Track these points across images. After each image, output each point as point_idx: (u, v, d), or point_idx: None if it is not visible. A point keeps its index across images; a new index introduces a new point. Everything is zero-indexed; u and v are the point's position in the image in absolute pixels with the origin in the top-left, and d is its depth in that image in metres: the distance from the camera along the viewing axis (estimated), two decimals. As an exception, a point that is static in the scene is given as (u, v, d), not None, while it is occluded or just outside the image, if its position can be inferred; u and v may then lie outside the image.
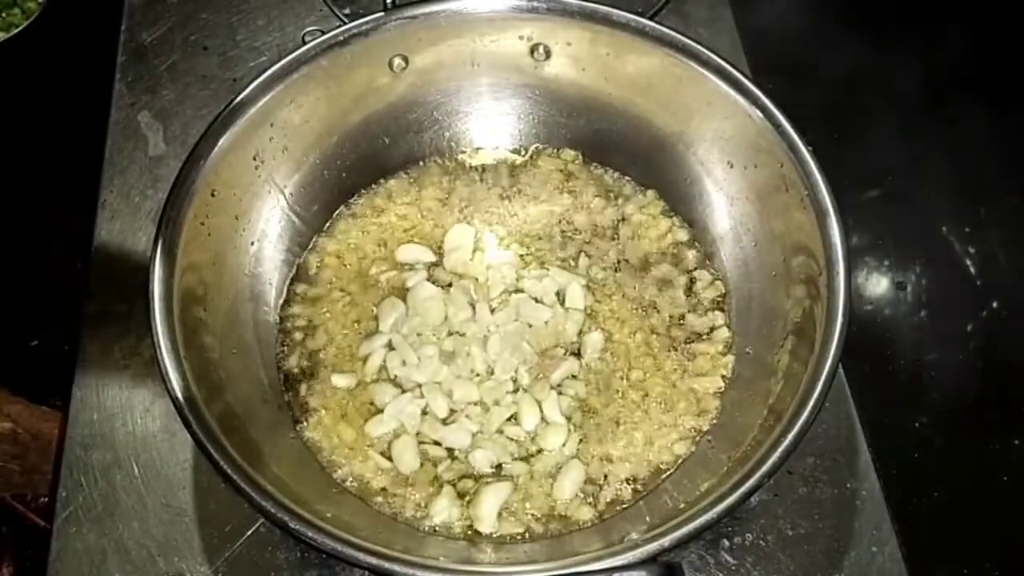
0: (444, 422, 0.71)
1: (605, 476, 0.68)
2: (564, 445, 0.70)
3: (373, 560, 0.54)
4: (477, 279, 0.78)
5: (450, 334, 0.75)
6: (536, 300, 0.76)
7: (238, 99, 0.70)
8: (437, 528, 0.66)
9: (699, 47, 0.72)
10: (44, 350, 1.02)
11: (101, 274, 0.79)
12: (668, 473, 0.68)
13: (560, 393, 0.72)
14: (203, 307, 0.67)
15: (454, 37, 0.77)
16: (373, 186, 0.83)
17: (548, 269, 0.78)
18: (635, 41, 0.74)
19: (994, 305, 0.82)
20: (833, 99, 0.98)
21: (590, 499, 0.67)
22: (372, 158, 0.82)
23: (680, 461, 0.68)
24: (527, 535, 0.66)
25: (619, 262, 0.79)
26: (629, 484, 0.68)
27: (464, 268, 0.78)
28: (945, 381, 0.80)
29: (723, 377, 0.72)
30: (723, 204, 0.77)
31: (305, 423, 0.70)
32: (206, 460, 0.57)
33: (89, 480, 0.69)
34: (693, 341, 0.74)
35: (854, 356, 0.64)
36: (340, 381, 0.73)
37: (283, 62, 0.72)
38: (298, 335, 0.75)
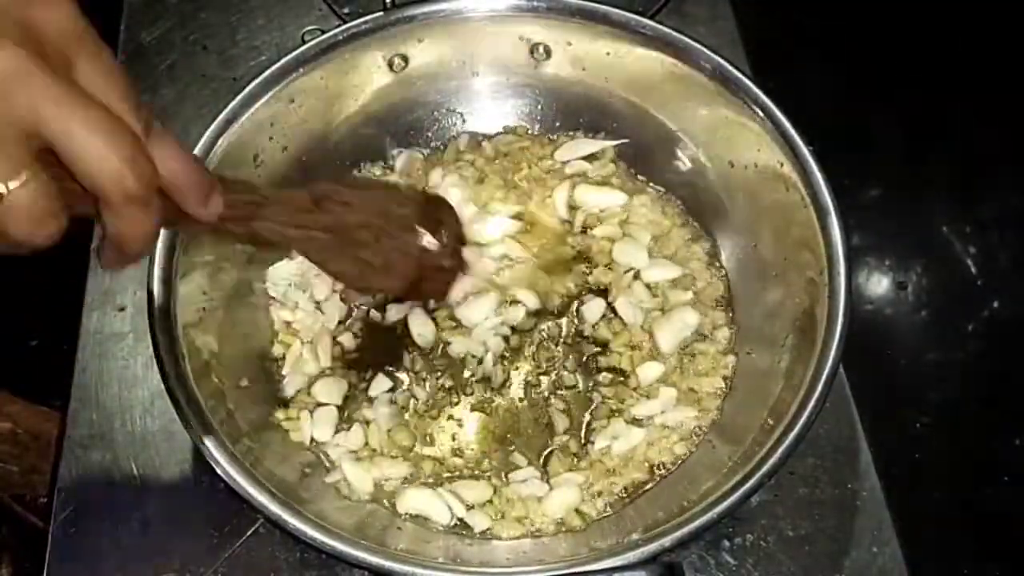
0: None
1: (606, 476, 0.68)
2: (565, 445, 0.70)
3: (373, 560, 0.55)
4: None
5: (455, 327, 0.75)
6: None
7: (238, 99, 0.70)
8: (438, 528, 0.66)
9: (700, 47, 0.72)
10: (44, 350, 1.02)
11: (100, 273, 0.79)
12: (668, 473, 0.68)
13: (560, 394, 0.72)
14: (203, 307, 0.67)
15: (454, 37, 0.77)
16: (373, 186, 0.83)
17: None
18: (635, 41, 0.74)
19: (995, 305, 0.82)
20: (834, 99, 0.98)
21: (590, 499, 0.67)
22: (371, 158, 0.82)
23: (681, 461, 0.68)
24: (527, 535, 0.66)
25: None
26: (630, 484, 0.68)
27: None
28: (946, 381, 0.80)
29: (724, 377, 0.71)
30: (724, 203, 0.76)
31: (305, 423, 0.70)
32: (206, 460, 0.58)
33: (88, 480, 0.69)
34: (694, 341, 0.74)
35: (855, 356, 0.64)
36: (340, 381, 0.73)
37: (282, 62, 0.72)
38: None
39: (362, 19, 0.74)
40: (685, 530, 0.55)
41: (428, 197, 0.66)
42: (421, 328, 0.74)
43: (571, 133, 0.83)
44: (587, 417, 0.71)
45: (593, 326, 0.74)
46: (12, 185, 0.34)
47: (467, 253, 0.76)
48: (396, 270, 0.60)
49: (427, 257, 0.61)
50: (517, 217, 0.79)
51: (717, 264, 0.77)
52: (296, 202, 0.54)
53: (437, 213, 0.63)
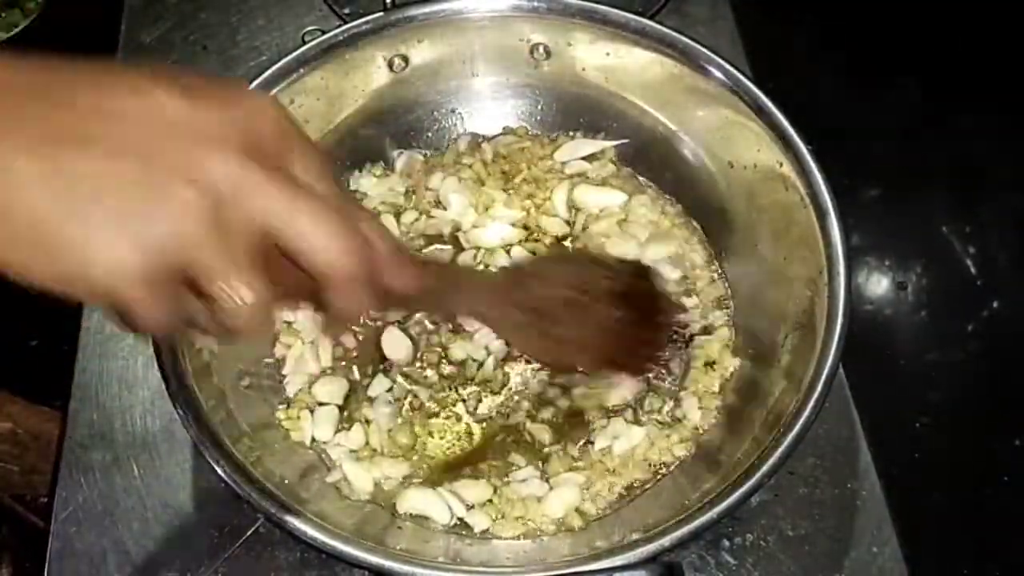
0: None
1: (606, 476, 0.68)
2: (565, 444, 0.70)
3: (373, 560, 0.55)
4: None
5: (454, 331, 0.75)
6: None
7: (238, 99, 0.70)
8: (438, 528, 0.66)
9: (699, 47, 0.72)
10: (44, 350, 1.02)
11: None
12: (668, 472, 0.68)
13: (562, 393, 0.72)
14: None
15: (454, 37, 0.77)
16: (373, 186, 0.83)
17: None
18: (635, 41, 0.74)
19: (995, 305, 0.82)
20: (833, 99, 0.98)
21: (590, 499, 0.67)
22: (371, 158, 0.82)
23: (680, 461, 0.68)
24: (527, 535, 0.66)
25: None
26: (630, 484, 0.68)
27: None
28: (945, 381, 0.80)
29: (724, 377, 0.71)
30: (723, 204, 0.76)
31: (305, 423, 0.70)
32: (206, 460, 0.58)
33: (88, 480, 0.69)
34: (693, 341, 0.74)
35: (855, 356, 0.64)
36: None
37: (283, 62, 0.72)
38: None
39: (362, 19, 0.74)
40: (685, 530, 0.55)
41: (636, 269, 0.64)
42: (394, 347, 0.74)
43: (571, 133, 0.83)
44: (587, 417, 0.71)
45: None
46: (243, 291, 0.37)
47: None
48: (592, 346, 0.58)
49: (626, 332, 0.58)
50: (518, 224, 0.79)
51: (717, 264, 0.77)
52: (492, 282, 0.56)
53: (642, 285, 0.61)
